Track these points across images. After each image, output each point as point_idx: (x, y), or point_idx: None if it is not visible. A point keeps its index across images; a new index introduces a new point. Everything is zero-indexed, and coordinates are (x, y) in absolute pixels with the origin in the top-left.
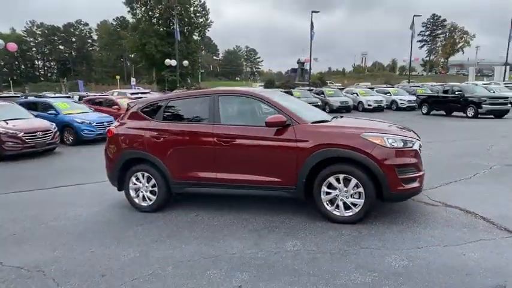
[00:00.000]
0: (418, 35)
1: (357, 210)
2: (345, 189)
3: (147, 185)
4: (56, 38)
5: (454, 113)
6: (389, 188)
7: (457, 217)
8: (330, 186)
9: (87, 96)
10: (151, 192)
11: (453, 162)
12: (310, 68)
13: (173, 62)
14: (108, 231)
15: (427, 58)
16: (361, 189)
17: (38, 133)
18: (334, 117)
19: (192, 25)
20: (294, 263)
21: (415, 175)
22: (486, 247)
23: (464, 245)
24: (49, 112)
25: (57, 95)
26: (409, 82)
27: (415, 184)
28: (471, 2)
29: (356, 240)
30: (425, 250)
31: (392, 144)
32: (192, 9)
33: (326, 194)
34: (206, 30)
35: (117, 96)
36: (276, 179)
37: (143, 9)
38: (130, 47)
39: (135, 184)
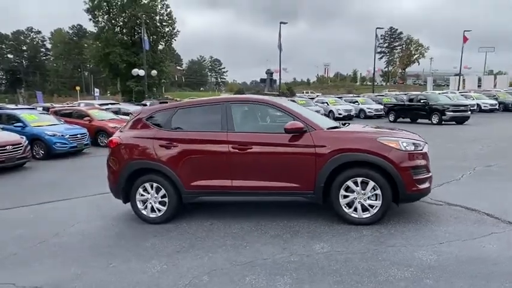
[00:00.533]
0: (377, 46)
1: (375, 211)
2: (363, 191)
3: (156, 195)
4: (3, 46)
5: (419, 120)
6: (405, 189)
7: (463, 214)
8: (347, 189)
9: (53, 107)
10: (160, 203)
11: (439, 164)
12: (280, 78)
13: (141, 72)
14: (121, 244)
15: (386, 69)
16: (378, 191)
17: (7, 147)
18: (343, 124)
19: (158, 34)
20: (330, 264)
21: (426, 176)
22: (501, 239)
23: (481, 238)
24: (15, 125)
25: (19, 106)
26: (373, 92)
27: (427, 185)
28: (424, 17)
29: (379, 239)
30: (447, 245)
31: (406, 147)
32: (158, 18)
33: (344, 198)
34: (173, 40)
35: (88, 107)
36: (294, 185)
37: (105, 17)
38: (92, 56)
39: (142, 195)
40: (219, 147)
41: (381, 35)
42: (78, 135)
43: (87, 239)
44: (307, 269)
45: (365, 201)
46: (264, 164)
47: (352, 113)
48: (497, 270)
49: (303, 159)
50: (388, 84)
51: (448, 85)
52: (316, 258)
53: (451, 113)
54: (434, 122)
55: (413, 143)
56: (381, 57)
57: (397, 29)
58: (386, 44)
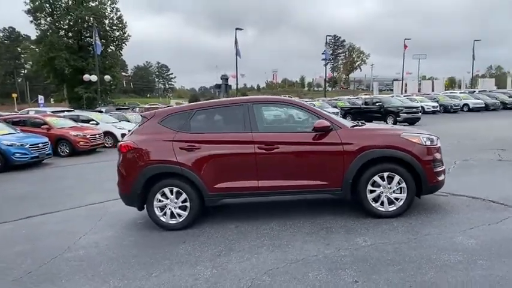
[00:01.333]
0: (322, 53)
1: (400, 204)
2: (389, 186)
3: (176, 200)
4: None
5: (375, 122)
6: (428, 182)
7: (471, 203)
8: (373, 184)
9: (1, 116)
10: (180, 208)
11: None
12: (237, 84)
13: (93, 78)
14: (150, 253)
15: (331, 75)
16: (403, 185)
17: None
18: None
19: (108, 38)
20: (383, 255)
21: (442, 169)
22: None
23: (502, 221)
24: None
25: None
26: (325, 96)
27: (443, 177)
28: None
29: (413, 230)
30: (477, 230)
31: (426, 142)
32: (107, 21)
33: (370, 192)
34: (123, 45)
35: (44, 115)
36: (322, 182)
37: (49, 19)
38: (35, 61)
39: (160, 201)
40: (244, 148)
41: (326, 43)
42: (40, 145)
43: (107, 250)
44: (363, 261)
45: (391, 194)
46: (291, 163)
47: None
48: None
49: (330, 157)
50: (333, 89)
51: (389, 90)
52: (365, 251)
53: (405, 115)
54: (389, 123)
55: (429, 138)
56: (326, 64)
57: (340, 37)
58: (330, 51)
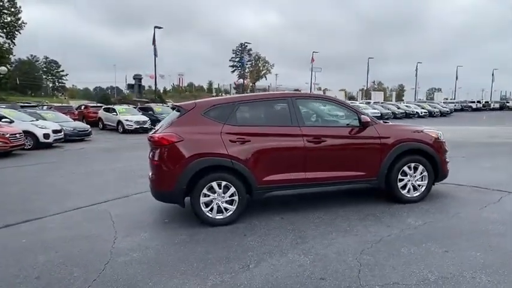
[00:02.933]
0: (229, 60)
1: (422, 190)
2: (414, 174)
3: (223, 195)
4: None
5: None
6: (442, 171)
7: (474, 189)
8: (401, 173)
9: None
10: (227, 202)
11: None
12: (155, 84)
13: None
14: (220, 248)
15: (238, 82)
16: (425, 173)
17: None
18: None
19: None
20: (446, 232)
21: (448, 160)
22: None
23: (501, 200)
24: None
25: None
26: None
27: (449, 166)
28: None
29: (441, 211)
30: (490, 207)
31: (441, 137)
32: None
33: (400, 181)
34: (17, 32)
35: None
36: (360, 173)
37: None
38: None
39: (206, 196)
40: (294, 141)
41: (233, 50)
42: None
43: (165, 250)
44: (432, 236)
45: (416, 182)
46: (335, 156)
47: None
48: None
49: (370, 150)
50: None
51: None
52: (424, 228)
53: None
54: None
55: (440, 134)
56: (233, 71)
57: (246, 45)
58: (238, 59)
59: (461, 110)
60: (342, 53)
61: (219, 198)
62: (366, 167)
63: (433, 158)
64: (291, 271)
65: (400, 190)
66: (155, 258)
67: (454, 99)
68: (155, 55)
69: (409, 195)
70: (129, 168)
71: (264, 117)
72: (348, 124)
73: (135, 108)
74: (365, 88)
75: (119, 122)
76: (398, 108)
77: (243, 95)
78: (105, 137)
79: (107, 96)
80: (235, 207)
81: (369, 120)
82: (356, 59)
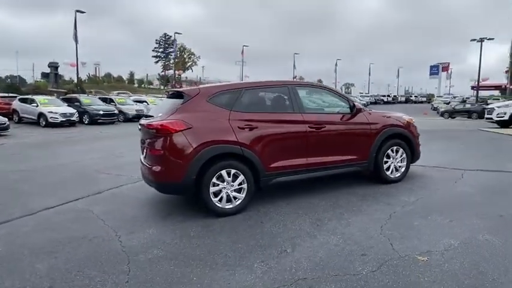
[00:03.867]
0: (152, 50)
1: (402, 170)
2: (396, 156)
3: (232, 183)
4: None
5: None
6: (417, 153)
7: (437, 169)
8: (387, 156)
9: None
10: (236, 190)
11: None
12: (78, 74)
13: None
14: (249, 236)
15: (163, 73)
16: (404, 156)
17: None
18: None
19: None
20: (436, 204)
21: (420, 143)
22: (472, 174)
23: (463, 175)
24: None
25: None
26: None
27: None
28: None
29: (424, 188)
30: (460, 182)
31: (415, 122)
32: None
33: (385, 163)
34: None
35: None
36: (354, 157)
37: None
38: None
39: (215, 185)
40: (298, 127)
41: (156, 40)
42: None
43: (187, 247)
44: (432, 209)
45: (397, 164)
46: (334, 141)
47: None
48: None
49: (362, 134)
50: (165, 87)
51: None
52: (420, 203)
53: None
54: None
55: (413, 119)
56: (157, 61)
57: (170, 36)
58: (161, 49)
59: (375, 103)
60: (266, 48)
61: (228, 187)
62: (358, 151)
63: (410, 142)
64: (331, 251)
65: (385, 171)
66: (181, 252)
67: (368, 93)
68: (76, 41)
69: (392, 176)
70: (81, 163)
71: (267, 103)
72: (341, 111)
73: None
74: None
75: (41, 115)
76: (324, 101)
77: (246, 81)
78: (25, 132)
79: (15, 86)
80: (244, 195)
81: (361, 107)
82: (277, 54)
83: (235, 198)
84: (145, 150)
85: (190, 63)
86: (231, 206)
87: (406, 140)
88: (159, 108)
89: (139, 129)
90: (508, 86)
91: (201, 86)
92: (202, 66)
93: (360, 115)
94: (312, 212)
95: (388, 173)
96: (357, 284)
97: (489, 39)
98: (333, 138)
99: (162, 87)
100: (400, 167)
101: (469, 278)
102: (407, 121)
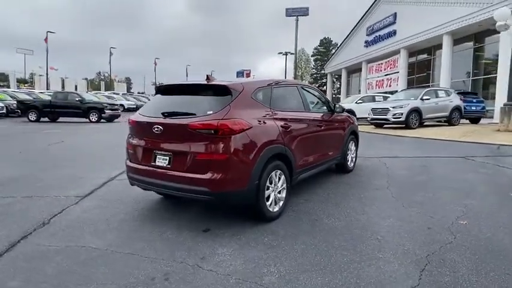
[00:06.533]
0: None
1: (354, 160)
2: (352, 149)
3: (278, 184)
4: None
5: (69, 119)
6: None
7: (365, 159)
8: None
9: None
10: (279, 192)
11: None
12: None
13: None
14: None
15: None
16: (354, 147)
17: None
18: None
19: None
20: (408, 186)
21: None
22: (390, 159)
23: (393, 162)
24: None
25: None
26: None
27: None
28: None
29: (376, 174)
30: (392, 168)
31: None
32: None
33: (349, 156)
34: None
35: None
36: (335, 152)
37: None
38: None
39: (268, 188)
40: (312, 125)
41: None
42: None
43: (277, 254)
44: (413, 188)
45: (352, 155)
46: (326, 139)
47: None
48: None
49: (340, 131)
50: None
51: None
52: (396, 184)
53: (110, 111)
54: (93, 120)
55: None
56: None
57: None
58: None
59: None
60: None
61: (274, 189)
62: (337, 146)
63: (357, 135)
64: (398, 226)
65: (349, 163)
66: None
67: None
68: None
69: (351, 166)
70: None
71: (289, 102)
72: (326, 111)
73: None
74: (102, 79)
75: None
76: (149, 100)
77: (269, 79)
78: None
79: None
80: (284, 195)
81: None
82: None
83: (280, 200)
84: (172, 157)
85: None
86: (277, 209)
87: (355, 134)
88: (165, 105)
89: (157, 131)
90: None
91: (242, 80)
92: None
93: (338, 114)
94: (320, 204)
95: (349, 163)
96: None
97: (292, 53)
98: (327, 137)
99: None
100: (352, 158)
101: None
102: (354, 120)
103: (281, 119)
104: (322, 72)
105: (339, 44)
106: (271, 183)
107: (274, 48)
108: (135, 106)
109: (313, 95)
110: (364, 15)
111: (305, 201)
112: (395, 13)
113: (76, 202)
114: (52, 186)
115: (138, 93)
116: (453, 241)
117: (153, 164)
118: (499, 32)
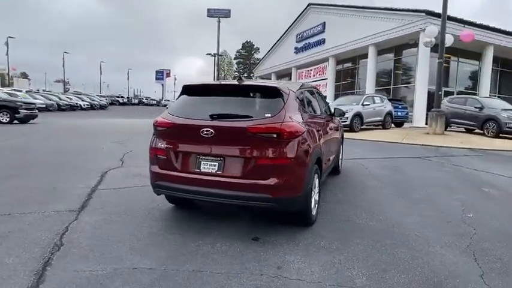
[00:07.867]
0: None
1: (341, 163)
2: (341, 151)
3: (316, 188)
4: None
5: None
6: None
7: (348, 161)
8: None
9: None
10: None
11: None
12: None
13: None
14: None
15: None
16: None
17: None
18: None
19: None
20: (405, 184)
21: None
22: (388, 161)
23: (383, 162)
24: None
25: None
26: None
27: None
28: None
29: (369, 173)
30: (382, 164)
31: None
32: None
33: (340, 157)
34: None
35: None
36: (335, 155)
37: None
38: None
39: (312, 191)
40: (328, 128)
41: None
42: None
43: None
44: (411, 186)
45: (341, 156)
46: (334, 141)
47: None
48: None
49: (338, 135)
50: None
51: None
52: (392, 182)
53: (25, 111)
54: (4, 121)
55: None
56: None
57: None
58: None
59: (112, 103)
60: None
61: (315, 192)
62: (337, 149)
63: (343, 138)
64: (422, 222)
65: (340, 164)
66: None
67: (100, 93)
68: None
69: (340, 168)
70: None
71: (313, 105)
72: (328, 114)
73: None
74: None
75: None
76: (60, 99)
77: (295, 81)
78: None
79: None
80: (318, 198)
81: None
82: None
83: (316, 203)
84: (224, 162)
85: None
86: (314, 213)
87: (343, 137)
88: (209, 106)
89: (207, 134)
90: None
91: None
92: None
93: (333, 118)
94: (332, 206)
95: (340, 165)
96: None
97: (214, 54)
98: (334, 138)
99: None
100: (341, 159)
101: None
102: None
103: (314, 123)
104: (245, 76)
105: (269, 49)
106: (314, 187)
107: (192, 48)
108: (44, 106)
109: (322, 99)
110: (293, 22)
111: (323, 203)
112: (325, 22)
113: (75, 218)
114: (22, 200)
115: (75, 91)
116: (477, 232)
117: (197, 170)
118: (415, 46)
